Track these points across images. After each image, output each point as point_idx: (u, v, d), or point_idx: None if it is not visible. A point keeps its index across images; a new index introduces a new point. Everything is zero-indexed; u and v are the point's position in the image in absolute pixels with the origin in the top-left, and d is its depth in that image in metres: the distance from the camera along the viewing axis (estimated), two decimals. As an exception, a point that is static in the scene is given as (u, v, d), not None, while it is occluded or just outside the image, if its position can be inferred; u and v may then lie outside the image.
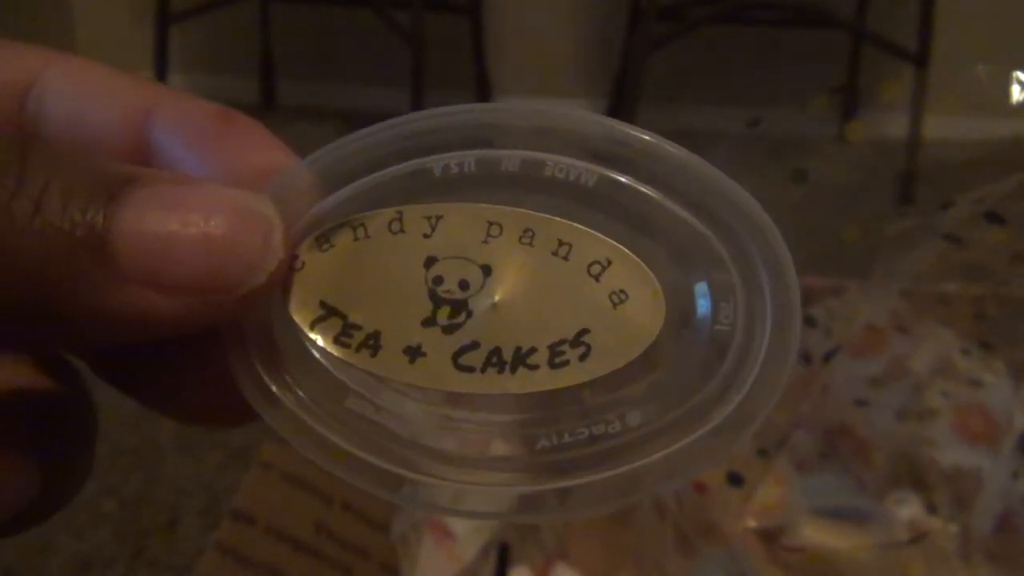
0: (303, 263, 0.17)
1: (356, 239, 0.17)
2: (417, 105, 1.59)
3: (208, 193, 0.15)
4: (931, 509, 0.50)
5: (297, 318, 0.16)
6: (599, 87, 1.88)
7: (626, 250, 0.16)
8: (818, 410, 0.53)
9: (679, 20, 1.61)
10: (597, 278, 0.16)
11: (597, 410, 0.16)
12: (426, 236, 0.17)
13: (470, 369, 0.16)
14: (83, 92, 0.17)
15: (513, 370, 0.16)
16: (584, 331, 0.16)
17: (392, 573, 0.55)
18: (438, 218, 0.17)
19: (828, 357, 0.52)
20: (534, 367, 0.16)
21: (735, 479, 0.50)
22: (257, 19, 1.89)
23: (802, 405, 0.52)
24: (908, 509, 0.51)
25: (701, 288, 0.16)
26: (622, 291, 0.16)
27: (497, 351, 0.16)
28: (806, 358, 0.52)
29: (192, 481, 1.01)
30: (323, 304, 0.17)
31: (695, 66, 1.78)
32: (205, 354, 0.17)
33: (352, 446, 0.17)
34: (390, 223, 0.17)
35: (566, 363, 0.16)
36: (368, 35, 1.77)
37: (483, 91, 1.86)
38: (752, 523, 0.50)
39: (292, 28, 1.94)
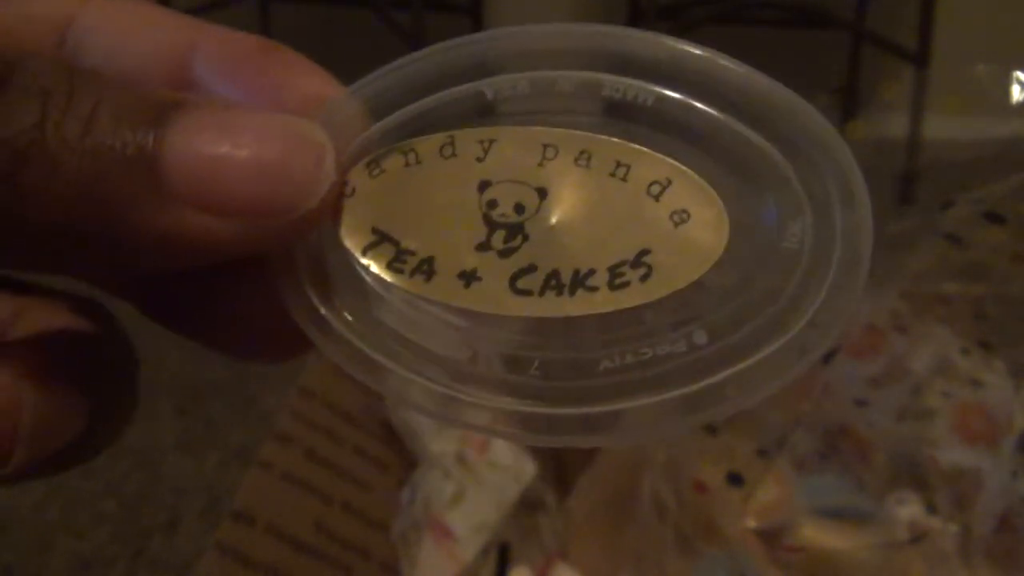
0: (354, 189, 0.16)
1: (407, 164, 0.16)
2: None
3: (259, 117, 0.15)
4: (931, 509, 0.50)
5: (349, 244, 0.16)
6: (599, 87, 1.88)
7: (687, 169, 0.16)
8: (818, 410, 0.53)
9: (679, 20, 1.61)
10: (657, 198, 0.16)
11: (662, 330, 0.16)
12: (479, 160, 0.16)
13: (527, 292, 0.16)
14: (122, 27, 0.17)
15: (572, 292, 0.16)
16: (645, 251, 0.16)
17: (392, 573, 0.55)
18: (491, 142, 0.16)
19: (828, 357, 0.52)
20: (593, 288, 0.16)
21: (735, 479, 0.50)
22: (257, 19, 1.89)
23: (802, 405, 0.52)
24: (908, 509, 0.51)
25: (767, 205, 0.16)
26: (684, 210, 0.16)
27: (555, 274, 0.16)
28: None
29: (192, 481, 1.01)
30: (375, 230, 0.16)
31: (695, 66, 1.78)
32: (256, 282, 0.17)
33: (405, 372, 0.16)
34: (442, 147, 0.16)
35: (627, 284, 0.16)
36: (368, 35, 1.77)
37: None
38: (752, 523, 0.50)
39: (292, 28, 1.94)
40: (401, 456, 0.61)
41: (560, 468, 0.60)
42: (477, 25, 1.83)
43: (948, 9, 1.57)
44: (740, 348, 0.16)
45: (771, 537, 0.50)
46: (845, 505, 0.51)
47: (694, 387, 0.16)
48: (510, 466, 0.57)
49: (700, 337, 0.16)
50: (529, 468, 0.57)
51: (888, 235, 0.54)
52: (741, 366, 0.16)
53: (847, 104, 1.72)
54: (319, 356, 0.17)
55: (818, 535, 0.50)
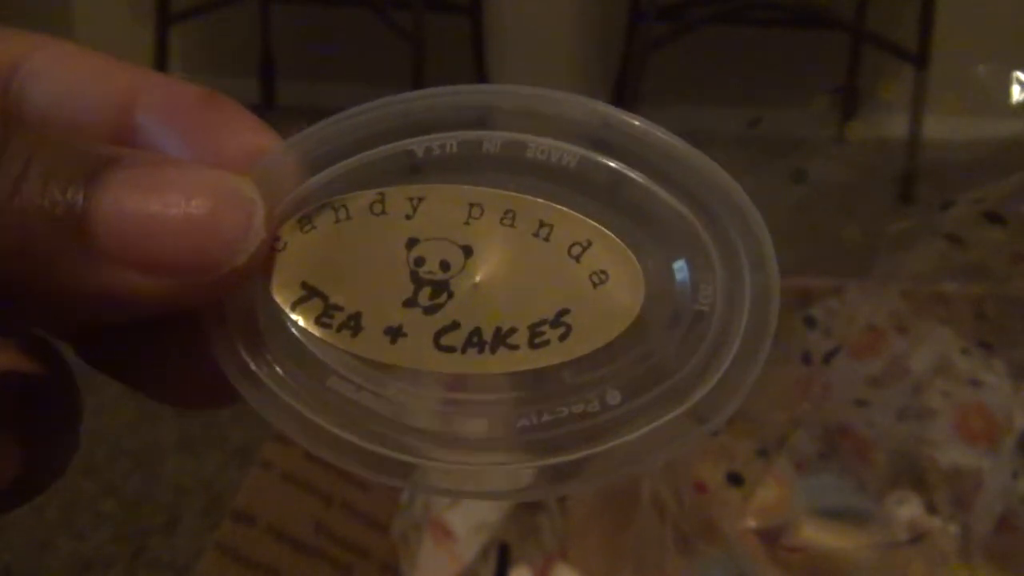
0: (285, 244, 0.17)
1: (338, 220, 0.17)
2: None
3: (190, 174, 0.15)
4: (931, 509, 0.50)
5: (278, 299, 0.17)
6: (599, 87, 1.88)
7: (607, 231, 0.16)
8: (818, 410, 0.53)
9: (679, 20, 1.61)
10: (578, 259, 0.16)
11: (577, 389, 0.17)
12: (408, 217, 0.17)
13: (451, 349, 0.16)
14: (68, 75, 0.17)
15: (493, 350, 0.16)
16: (564, 311, 0.16)
17: (392, 573, 0.55)
18: (420, 199, 0.17)
19: (828, 357, 0.52)
20: (514, 347, 0.16)
21: (735, 479, 0.50)
22: (257, 19, 1.89)
23: (802, 405, 0.52)
24: (908, 509, 0.51)
25: (681, 269, 0.17)
26: (603, 271, 0.16)
27: (477, 331, 0.16)
28: (806, 358, 0.52)
29: (192, 481, 1.01)
30: (304, 285, 0.17)
31: (695, 66, 1.78)
32: (187, 335, 0.17)
33: (333, 426, 0.17)
34: (372, 204, 0.17)
35: (546, 343, 0.16)
36: (368, 35, 1.77)
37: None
38: (752, 523, 0.50)
39: (292, 28, 1.94)
40: (401, 456, 0.61)
41: (560, 468, 0.60)
42: (477, 25, 1.83)
43: (948, 9, 1.57)
44: (650, 409, 0.16)
45: (771, 537, 0.50)
46: (845, 505, 0.51)
47: (607, 445, 0.16)
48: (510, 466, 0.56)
49: (613, 397, 0.16)
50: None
51: (888, 235, 0.54)
52: (650, 427, 0.16)
53: (847, 104, 1.72)
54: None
55: (818, 535, 0.50)
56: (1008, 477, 0.49)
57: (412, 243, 0.17)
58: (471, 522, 0.54)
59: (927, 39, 1.55)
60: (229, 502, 0.52)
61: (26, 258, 0.14)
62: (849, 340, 0.53)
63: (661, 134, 0.16)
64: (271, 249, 0.16)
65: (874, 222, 0.55)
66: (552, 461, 0.16)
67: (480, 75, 1.87)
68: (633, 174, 0.17)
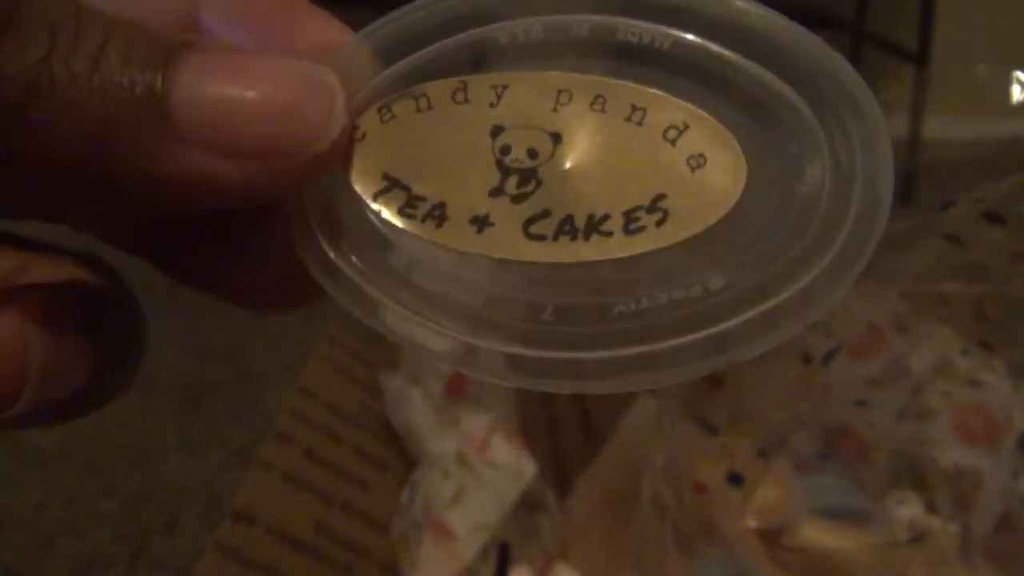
0: (364, 134, 0.16)
1: (419, 109, 0.16)
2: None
3: (270, 60, 0.15)
4: (931, 509, 0.50)
5: (359, 189, 0.16)
6: (599, 87, 1.88)
7: (704, 113, 0.16)
8: (818, 410, 0.53)
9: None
10: (674, 143, 0.16)
11: (677, 274, 0.16)
12: (492, 105, 0.16)
13: (541, 238, 0.16)
14: None
15: (587, 237, 0.16)
16: (660, 196, 0.15)
17: (392, 573, 0.55)
18: (504, 87, 0.16)
19: (828, 357, 0.52)
20: (608, 233, 0.15)
21: (735, 479, 0.50)
22: (257, 19, 1.89)
23: (802, 405, 0.52)
24: (908, 509, 0.51)
25: (786, 148, 0.16)
26: (700, 155, 0.16)
27: (569, 219, 0.16)
28: (806, 358, 0.52)
29: (192, 481, 1.01)
30: (386, 176, 0.16)
31: (695, 66, 1.78)
32: (266, 229, 0.17)
33: (416, 318, 0.16)
34: (454, 93, 0.16)
35: (642, 229, 0.15)
36: (368, 35, 1.77)
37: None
38: (752, 523, 0.50)
39: (292, 28, 1.94)
40: (401, 456, 0.61)
41: (560, 468, 0.60)
42: (477, 25, 1.83)
43: (948, 9, 1.57)
44: (754, 294, 0.15)
45: (771, 537, 0.50)
46: (845, 505, 0.51)
47: (709, 331, 0.15)
48: (510, 466, 0.57)
49: (716, 282, 0.16)
50: (529, 468, 0.57)
51: (888, 235, 0.54)
52: (754, 312, 0.15)
53: (847, 104, 1.72)
54: (332, 305, 0.16)
55: (818, 535, 0.50)
56: (1008, 477, 0.49)
57: (497, 131, 0.16)
58: (471, 522, 0.54)
59: (927, 39, 1.55)
60: (229, 502, 0.52)
61: (104, 139, 0.13)
62: (849, 340, 0.53)
63: (761, 12, 0.16)
64: (350, 139, 0.16)
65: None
66: (653, 347, 0.15)
67: (480, 75, 1.87)
68: (731, 55, 0.16)
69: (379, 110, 0.16)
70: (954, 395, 0.53)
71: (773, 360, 0.51)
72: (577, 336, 0.16)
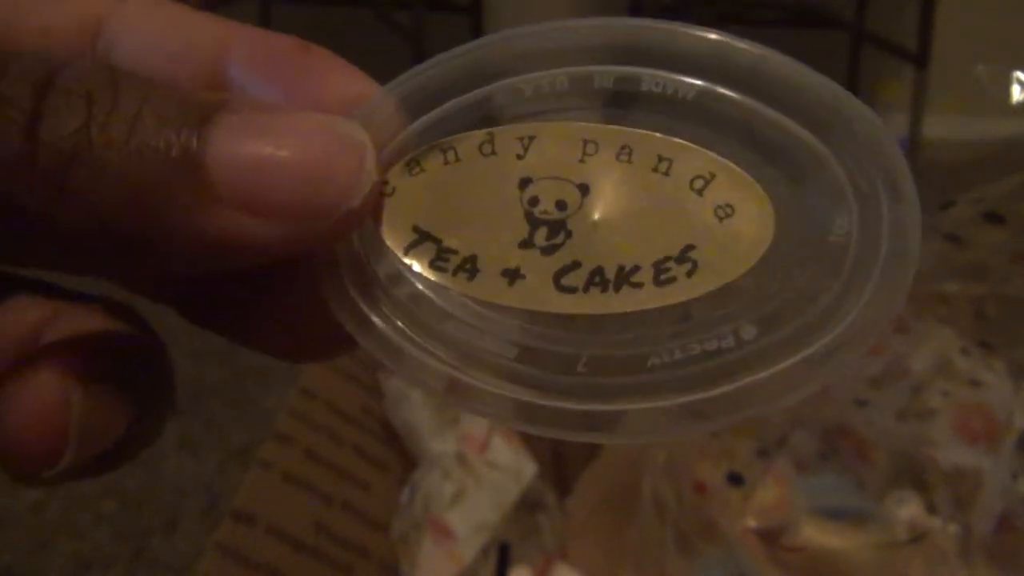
0: (393, 189, 0.16)
1: (446, 162, 0.16)
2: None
3: (300, 118, 0.15)
4: (931, 509, 0.50)
5: (390, 243, 0.16)
6: (599, 87, 1.88)
7: (730, 163, 0.16)
8: (818, 410, 0.53)
9: (679, 20, 1.61)
10: (700, 192, 0.16)
11: (709, 325, 0.16)
12: (519, 157, 0.16)
13: (572, 290, 0.16)
14: (156, 27, 0.17)
15: (617, 288, 0.16)
16: (689, 247, 0.16)
17: (392, 573, 0.55)
18: (531, 138, 0.16)
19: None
20: (638, 285, 0.16)
21: (735, 479, 0.50)
22: (257, 19, 1.89)
23: (802, 405, 0.52)
24: (908, 509, 0.51)
25: (813, 198, 0.16)
26: (728, 205, 0.16)
27: (599, 270, 0.16)
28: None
29: (192, 481, 1.01)
30: (416, 229, 0.16)
31: (695, 66, 1.79)
32: (299, 281, 0.17)
33: (452, 369, 0.16)
34: (481, 145, 0.16)
35: (672, 280, 0.16)
36: (368, 35, 1.77)
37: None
38: (752, 523, 0.50)
39: (292, 28, 1.94)
40: (401, 456, 0.61)
41: (560, 468, 0.60)
42: (477, 25, 1.83)
43: (948, 9, 1.57)
44: (788, 344, 0.15)
45: (771, 537, 0.50)
46: (845, 505, 0.51)
47: (743, 382, 0.15)
48: (510, 466, 0.57)
49: (748, 332, 0.16)
50: (529, 468, 0.57)
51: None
52: (789, 362, 0.15)
53: (847, 104, 1.72)
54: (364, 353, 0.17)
55: (818, 535, 0.50)
56: (1008, 477, 0.49)
57: (525, 183, 0.16)
58: (471, 522, 0.54)
59: (927, 39, 1.55)
60: (229, 502, 0.52)
61: (141, 201, 0.14)
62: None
63: (784, 61, 0.16)
64: (380, 193, 0.16)
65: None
66: (686, 399, 0.15)
67: (480, 75, 1.87)
68: (756, 104, 0.16)
69: (407, 164, 0.16)
70: (954, 395, 0.53)
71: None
72: (614, 388, 0.16)
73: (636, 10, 1.69)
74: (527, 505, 0.56)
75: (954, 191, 0.51)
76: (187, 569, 0.89)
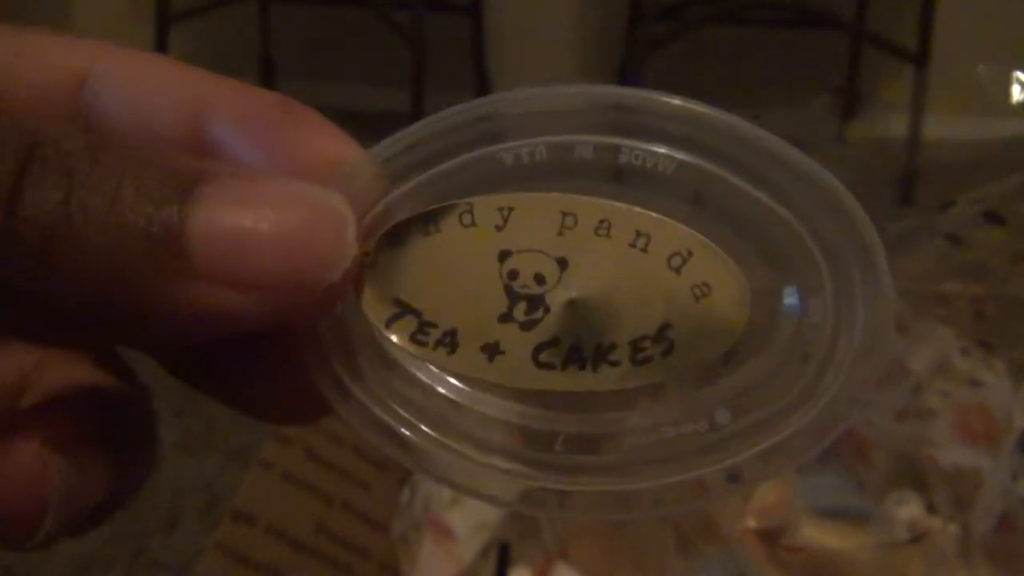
0: (375, 259, 0.16)
1: (427, 233, 0.16)
2: (417, 105, 1.59)
3: (280, 188, 0.15)
4: (931, 509, 0.50)
5: (372, 316, 0.16)
6: (599, 87, 1.87)
7: (708, 241, 0.16)
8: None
9: (679, 20, 1.61)
10: (678, 271, 0.16)
11: (684, 408, 0.16)
12: (498, 228, 0.16)
13: (550, 366, 0.16)
14: (138, 82, 0.17)
15: (595, 367, 0.16)
16: (666, 326, 0.16)
17: (392, 573, 0.55)
18: (510, 209, 0.16)
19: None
20: (616, 363, 0.16)
21: (735, 479, 0.50)
22: (257, 19, 1.89)
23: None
24: (908, 509, 0.51)
25: (790, 281, 0.16)
26: (705, 284, 0.16)
27: (577, 347, 0.16)
28: (806, 358, 0.52)
29: (192, 481, 1.01)
30: (397, 301, 0.16)
31: (695, 66, 1.78)
32: (280, 350, 0.17)
33: (430, 444, 0.16)
34: (461, 216, 0.16)
35: (648, 359, 0.16)
36: (368, 35, 1.77)
37: (484, 91, 1.86)
38: (752, 523, 0.50)
39: (292, 28, 1.94)
40: (401, 456, 0.61)
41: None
42: (477, 25, 1.83)
43: (948, 9, 1.57)
44: (762, 426, 0.16)
45: (771, 537, 0.50)
46: (845, 505, 0.51)
47: (716, 467, 0.15)
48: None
49: (722, 416, 0.16)
50: (529, 468, 0.57)
51: (888, 235, 0.54)
52: (764, 445, 0.15)
53: (847, 104, 1.72)
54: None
55: (818, 535, 0.50)
56: (1008, 477, 0.49)
57: (505, 255, 0.16)
58: (471, 522, 0.54)
59: (927, 39, 1.55)
60: (229, 502, 0.52)
61: (121, 275, 0.13)
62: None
63: (769, 139, 0.16)
64: (361, 265, 0.16)
65: (874, 222, 0.55)
66: (663, 481, 0.16)
67: (480, 75, 1.87)
68: (735, 180, 0.16)
69: (387, 234, 0.16)
70: (954, 395, 0.53)
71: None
72: (590, 466, 0.16)
73: (636, 9, 1.69)
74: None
75: (954, 191, 0.51)
76: (187, 569, 0.89)
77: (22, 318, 0.14)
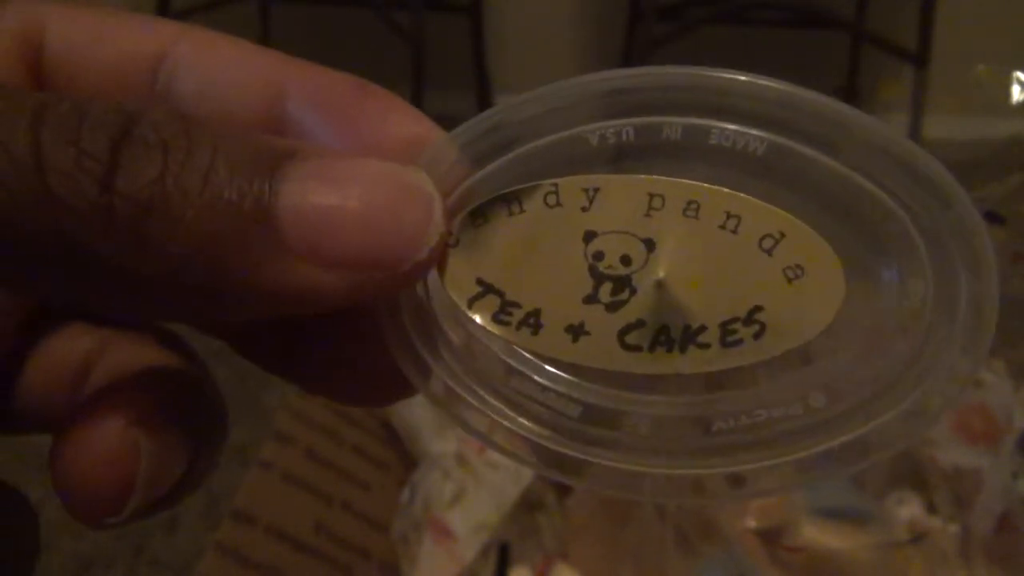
0: (458, 239, 0.16)
1: (511, 214, 0.16)
2: (417, 105, 1.58)
3: (368, 167, 0.15)
4: (931, 509, 0.50)
5: (454, 295, 0.16)
6: (599, 87, 1.87)
7: (800, 222, 0.15)
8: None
9: (679, 20, 1.61)
10: (770, 252, 0.15)
11: (776, 391, 0.16)
12: (584, 209, 0.16)
13: (637, 348, 0.15)
14: (214, 64, 0.17)
15: (683, 349, 0.15)
16: (757, 308, 0.15)
17: (392, 573, 0.55)
18: (596, 190, 0.16)
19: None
20: (705, 345, 0.15)
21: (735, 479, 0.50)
22: (257, 19, 1.89)
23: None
24: (908, 509, 0.51)
25: (887, 262, 0.15)
26: (797, 266, 0.15)
27: (665, 329, 0.15)
28: (806, 359, 0.52)
29: (192, 481, 1.01)
30: (479, 281, 0.16)
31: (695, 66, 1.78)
32: (360, 328, 0.17)
33: (512, 424, 0.16)
34: (545, 196, 0.16)
35: (739, 341, 0.15)
36: (368, 35, 1.77)
37: (484, 91, 1.86)
38: (752, 523, 0.50)
39: (292, 28, 1.94)
40: (401, 456, 0.61)
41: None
42: (477, 25, 1.83)
43: (948, 9, 1.57)
44: (858, 412, 0.15)
45: (771, 537, 0.50)
46: (845, 505, 0.51)
47: (809, 451, 0.15)
48: (510, 466, 0.57)
49: (817, 400, 0.15)
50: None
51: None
52: (859, 432, 0.15)
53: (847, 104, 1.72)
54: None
55: (818, 535, 0.50)
56: (1008, 477, 0.49)
57: (590, 236, 0.16)
58: (471, 522, 0.54)
59: (927, 39, 1.55)
60: (229, 502, 0.52)
61: (214, 251, 0.14)
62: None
63: (864, 120, 0.15)
64: (445, 245, 0.16)
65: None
66: (754, 465, 0.15)
67: (480, 75, 1.87)
68: (831, 162, 0.15)
69: (472, 214, 0.16)
70: (954, 395, 0.53)
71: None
72: (674, 449, 0.16)
73: (636, 9, 1.69)
74: (527, 505, 0.56)
75: (954, 191, 0.51)
76: (187, 569, 0.89)
77: (113, 291, 0.14)
